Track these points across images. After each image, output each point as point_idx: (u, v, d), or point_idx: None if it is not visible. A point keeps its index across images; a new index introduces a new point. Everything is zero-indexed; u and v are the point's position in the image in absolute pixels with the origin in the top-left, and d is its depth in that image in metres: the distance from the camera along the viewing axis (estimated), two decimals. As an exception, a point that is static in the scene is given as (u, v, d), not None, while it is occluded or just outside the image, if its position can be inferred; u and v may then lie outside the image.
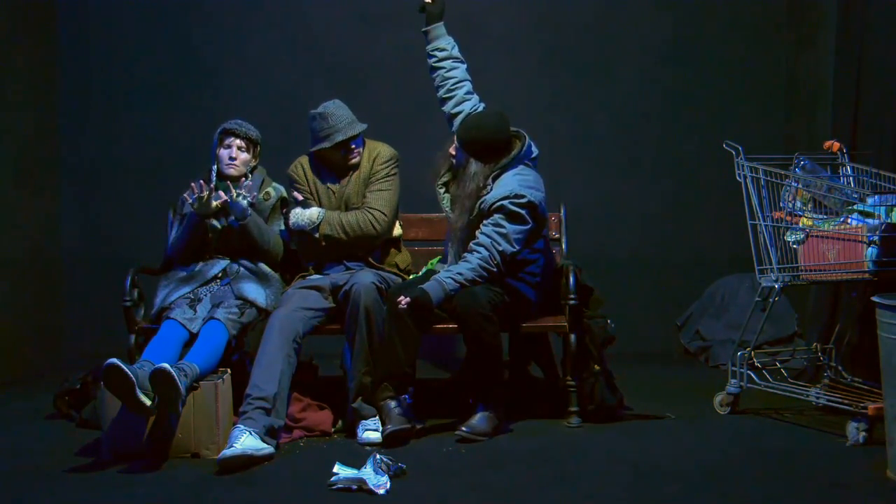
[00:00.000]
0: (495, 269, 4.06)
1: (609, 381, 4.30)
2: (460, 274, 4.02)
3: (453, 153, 4.24)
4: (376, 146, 4.43)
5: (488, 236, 4.06)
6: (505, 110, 5.90)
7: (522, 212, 4.07)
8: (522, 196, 4.07)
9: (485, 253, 4.04)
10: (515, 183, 4.11)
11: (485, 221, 4.09)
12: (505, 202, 4.06)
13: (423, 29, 4.46)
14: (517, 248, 4.09)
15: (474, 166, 4.15)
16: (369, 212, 4.31)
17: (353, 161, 4.37)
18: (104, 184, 6.00)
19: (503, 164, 4.16)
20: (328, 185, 4.41)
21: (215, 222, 4.24)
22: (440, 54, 4.43)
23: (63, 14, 5.96)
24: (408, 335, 4.06)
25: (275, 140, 5.00)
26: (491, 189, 4.13)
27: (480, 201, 4.11)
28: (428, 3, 4.43)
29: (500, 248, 4.05)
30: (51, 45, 5.92)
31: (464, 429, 4.02)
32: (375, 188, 4.36)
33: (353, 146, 4.34)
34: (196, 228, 4.27)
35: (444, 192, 4.31)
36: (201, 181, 4.23)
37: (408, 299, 3.94)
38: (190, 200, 4.20)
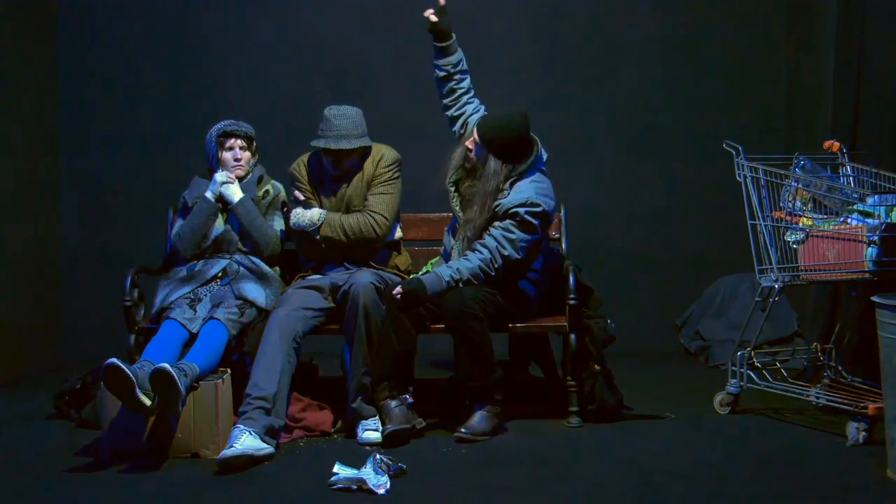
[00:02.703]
0: (493, 273, 4.07)
1: (609, 380, 4.30)
2: (458, 271, 4.03)
3: (471, 147, 4.21)
4: (380, 149, 4.42)
5: (496, 239, 4.06)
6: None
7: (535, 222, 4.08)
8: (538, 205, 4.07)
9: (487, 255, 4.05)
10: (532, 190, 4.11)
11: (495, 223, 4.09)
12: (520, 209, 4.06)
13: (439, 45, 4.39)
14: (521, 255, 4.09)
15: (493, 164, 4.13)
16: (370, 215, 4.31)
17: (333, 174, 4.35)
18: (104, 184, 6.00)
19: (521, 171, 4.15)
20: (330, 185, 4.41)
21: (210, 196, 4.31)
22: (452, 70, 4.40)
23: (63, 14, 5.95)
24: (405, 334, 4.07)
25: (276, 140, 5.01)
26: (508, 193, 4.12)
27: (496, 204, 4.11)
28: (435, 21, 4.36)
29: (506, 254, 4.06)
30: (52, 45, 5.91)
31: (463, 430, 4.02)
32: (377, 191, 4.35)
33: (332, 159, 4.30)
34: (206, 215, 4.28)
35: (455, 192, 4.30)
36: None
37: (400, 290, 3.97)
38: (220, 179, 4.30)
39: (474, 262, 4.05)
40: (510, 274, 4.14)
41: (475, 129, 4.17)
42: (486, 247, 4.07)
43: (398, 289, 4.02)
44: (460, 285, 4.04)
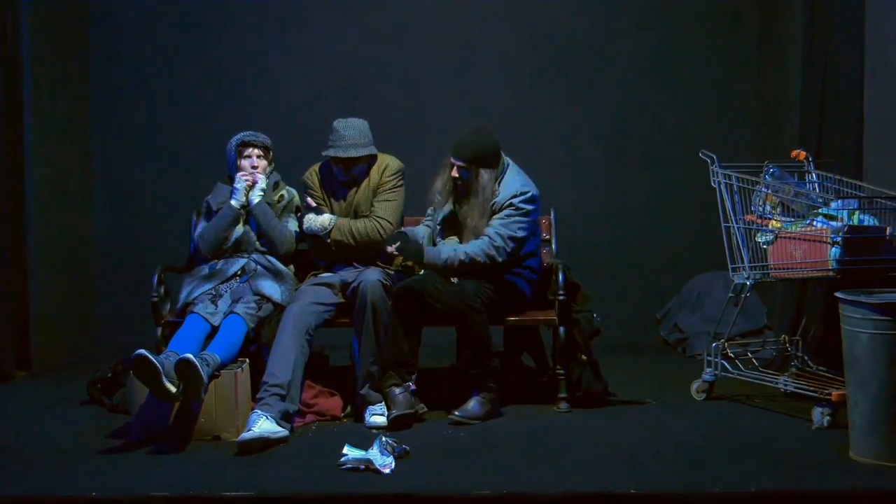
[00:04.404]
0: (495, 254, 4.08)
1: (595, 369, 4.30)
2: (456, 251, 4.08)
3: (456, 174, 4.21)
4: (385, 159, 4.42)
5: (494, 228, 4.12)
6: (500, 122, 5.94)
7: (528, 206, 4.16)
8: (527, 191, 4.17)
9: (487, 240, 4.10)
10: (518, 182, 4.20)
11: (495, 216, 4.14)
12: (514, 200, 4.14)
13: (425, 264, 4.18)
14: (523, 234, 4.14)
15: (485, 175, 4.17)
16: (376, 220, 4.31)
17: (343, 180, 4.36)
18: (133, 191, 6.00)
19: (502, 170, 4.22)
20: (339, 192, 4.41)
21: (235, 203, 4.29)
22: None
23: (94, 36, 5.95)
24: (411, 327, 4.10)
25: (289, 148, 5.00)
26: (499, 192, 4.18)
27: (492, 203, 4.16)
28: (392, 251, 4.18)
29: (509, 234, 4.10)
30: (83, 64, 5.91)
31: (457, 413, 4.03)
32: (383, 198, 4.36)
33: (342, 166, 4.30)
34: (230, 218, 4.27)
35: (440, 227, 4.32)
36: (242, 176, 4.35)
37: (396, 244, 4.08)
38: (240, 186, 4.28)
39: (474, 245, 4.10)
40: (512, 264, 4.17)
41: (456, 157, 4.17)
42: (486, 235, 4.11)
43: (394, 247, 4.08)
44: (456, 264, 4.05)
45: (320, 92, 5.94)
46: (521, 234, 4.14)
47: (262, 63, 6.00)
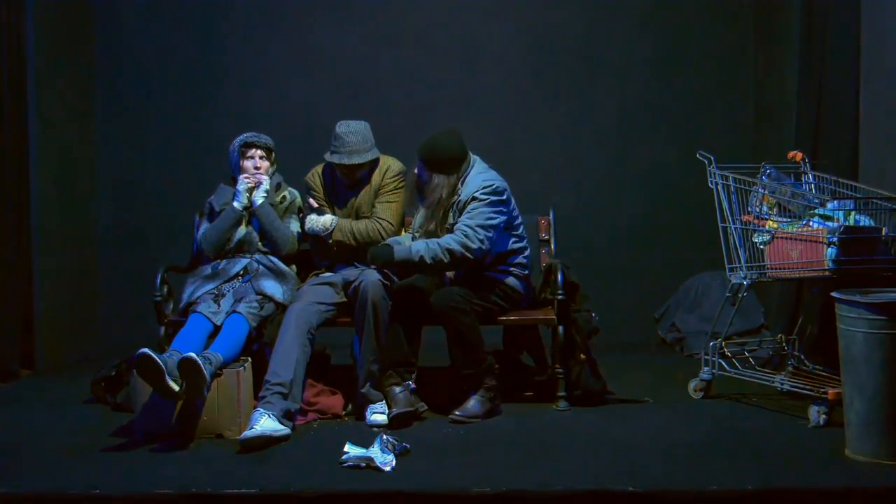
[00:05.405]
0: (466, 240, 4.00)
1: (594, 368, 4.29)
2: (428, 245, 4.00)
3: (417, 172, 4.22)
4: (387, 160, 4.42)
5: (463, 221, 4.05)
6: (500, 123, 5.94)
7: (493, 197, 4.07)
8: (490, 184, 4.09)
9: (458, 232, 4.03)
10: (480, 179, 4.13)
11: (463, 213, 4.09)
12: (476, 193, 4.07)
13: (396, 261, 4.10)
14: (494, 222, 4.07)
15: (436, 179, 4.14)
16: (377, 221, 4.31)
17: (346, 183, 4.36)
18: (137, 192, 6.01)
19: (462, 175, 4.16)
20: (341, 194, 4.41)
21: (238, 205, 4.28)
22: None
23: (100, 38, 5.96)
24: (411, 327, 4.09)
25: (292, 150, 5.00)
26: (461, 191, 4.14)
27: (454, 202, 4.12)
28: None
29: (478, 223, 4.03)
30: (89, 65, 5.92)
31: (457, 413, 4.03)
32: (384, 199, 4.36)
33: (346, 171, 4.30)
34: (232, 220, 4.27)
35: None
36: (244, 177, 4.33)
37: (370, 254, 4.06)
38: (243, 188, 4.28)
39: (446, 238, 4.04)
40: (494, 256, 4.15)
41: (418, 156, 4.18)
42: (457, 228, 4.06)
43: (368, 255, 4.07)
44: (429, 259, 3.98)
45: (322, 93, 5.94)
46: (490, 222, 4.06)
47: (265, 64, 6.00)
